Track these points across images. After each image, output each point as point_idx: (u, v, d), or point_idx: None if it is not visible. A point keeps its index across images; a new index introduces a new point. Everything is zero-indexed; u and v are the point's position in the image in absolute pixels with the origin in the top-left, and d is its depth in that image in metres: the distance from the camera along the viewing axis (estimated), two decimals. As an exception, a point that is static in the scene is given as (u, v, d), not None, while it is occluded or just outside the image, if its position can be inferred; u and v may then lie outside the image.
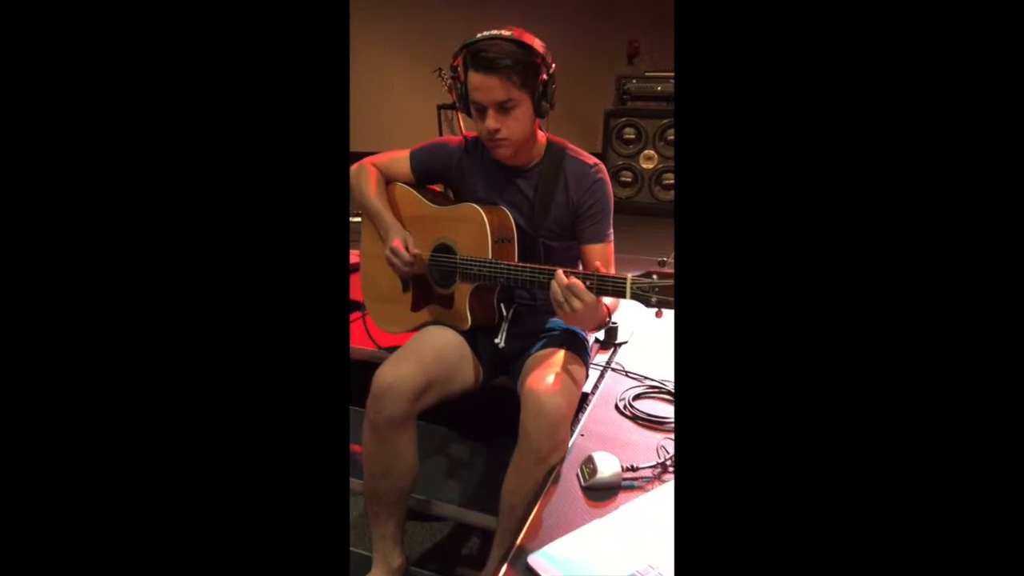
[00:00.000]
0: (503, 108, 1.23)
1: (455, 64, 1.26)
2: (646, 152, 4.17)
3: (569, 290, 1.12)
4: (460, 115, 4.10)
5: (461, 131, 4.10)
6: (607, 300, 1.24)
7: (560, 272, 1.14)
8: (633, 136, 4.15)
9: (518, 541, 0.96)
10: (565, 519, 1.01)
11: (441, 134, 4.24)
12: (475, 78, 1.21)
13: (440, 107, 4.20)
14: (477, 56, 1.19)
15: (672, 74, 4.11)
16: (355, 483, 1.51)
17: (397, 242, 1.37)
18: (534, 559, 0.90)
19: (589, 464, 1.11)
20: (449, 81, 3.66)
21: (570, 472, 1.15)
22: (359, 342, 1.71)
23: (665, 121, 4.08)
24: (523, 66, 1.21)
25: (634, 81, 4.15)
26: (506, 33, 1.21)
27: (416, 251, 1.39)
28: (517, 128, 1.26)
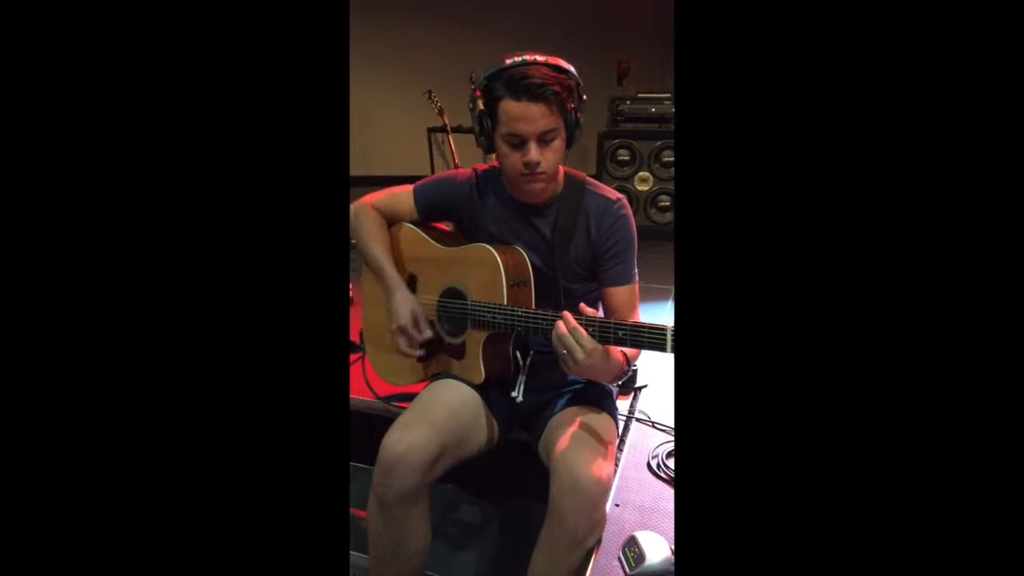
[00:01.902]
0: (544, 139, 1.10)
1: (476, 94, 1.13)
2: (641, 174, 4.08)
3: (572, 337, 0.99)
4: (451, 139, 3.99)
5: (453, 156, 3.98)
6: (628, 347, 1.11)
7: (560, 322, 1.01)
8: (627, 158, 4.07)
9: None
10: (614, 622, 0.87)
11: (431, 159, 4.12)
12: (516, 107, 1.08)
13: (430, 130, 4.08)
14: (519, 83, 1.07)
15: (665, 95, 4.05)
16: (358, 557, 1.35)
17: (407, 319, 1.25)
18: None
19: (633, 547, 0.97)
20: (438, 106, 3.53)
21: (609, 555, 1.00)
22: (356, 391, 1.56)
23: (659, 143, 4.01)
24: (566, 92, 1.10)
25: (627, 102, 4.08)
26: (540, 58, 1.09)
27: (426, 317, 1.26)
28: (555, 160, 1.14)
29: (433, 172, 4.14)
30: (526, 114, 1.07)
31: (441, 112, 3.97)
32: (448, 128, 3.97)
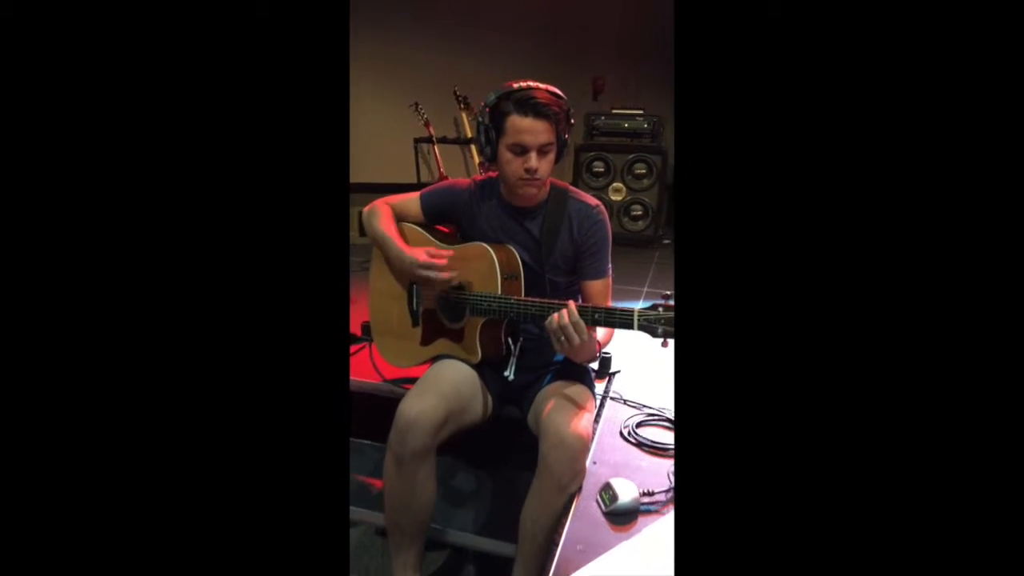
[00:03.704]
0: (542, 151, 1.33)
1: (487, 110, 1.35)
2: (615, 185, 4.33)
3: (571, 327, 1.21)
4: (436, 149, 4.19)
5: (438, 165, 4.18)
6: (600, 334, 1.36)
7: (566, 309, 1.23)
8: (602, 169, 4.33)
9: (552, 567, 1.02)
10: (593, 544, 1.07)
11: (417, 167, 4.30)
12: (524, 122, 1.31)
13: (416, 140, 4.28)
14: (527, 102, 1.30)
15: (638, 112, 4.32)
16: (372, 515, 1.56)
17: (425, 254, 1.41)
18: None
19: (608, 490, 1.18)
20: (424, 118, 3.69)
21: (588, 499, 1.21)
22: (365, 375, 1.75)
23: (632, 156, 4.28)
24: (563, 114, 1.34)
25: (602, 118, 4.35)
26: (542, 85, 1.33)
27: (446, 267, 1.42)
28: (548, 169, 1.38)
29: (419, 180, 4.30)
30: (531, 128, 1.30)
31: (427, 124, 4.18)
32: (434, 139, 4.19)
